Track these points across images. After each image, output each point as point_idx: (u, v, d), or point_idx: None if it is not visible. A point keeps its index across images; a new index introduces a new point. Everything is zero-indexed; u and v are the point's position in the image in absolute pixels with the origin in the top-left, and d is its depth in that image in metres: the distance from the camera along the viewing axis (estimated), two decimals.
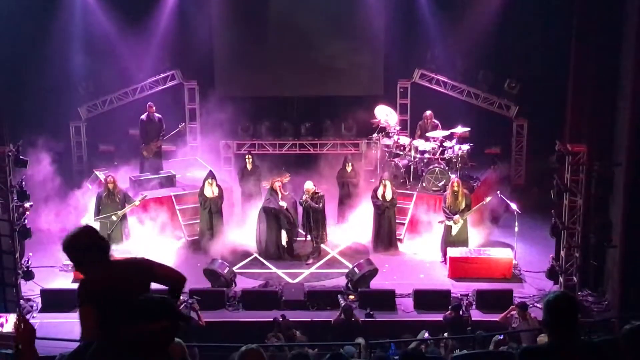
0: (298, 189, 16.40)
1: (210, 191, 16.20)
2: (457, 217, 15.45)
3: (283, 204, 15.74)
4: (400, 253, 16.30)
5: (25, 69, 18.00)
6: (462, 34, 18.98)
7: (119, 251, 15.36)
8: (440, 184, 16.64)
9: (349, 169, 17.15)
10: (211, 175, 16.41)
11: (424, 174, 16.91)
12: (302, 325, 13.16)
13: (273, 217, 15.85)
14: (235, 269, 15.19)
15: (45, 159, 16.60)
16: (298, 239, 16.24)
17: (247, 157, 17.50)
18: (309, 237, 16.02)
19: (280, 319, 12.85)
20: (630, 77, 12.94)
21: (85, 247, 5.07)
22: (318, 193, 15.85)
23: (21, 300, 14.25)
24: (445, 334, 12.63)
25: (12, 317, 12.62)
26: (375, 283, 14.69)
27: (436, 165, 16.89)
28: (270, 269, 15.66)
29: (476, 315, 13.46)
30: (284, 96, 20.60)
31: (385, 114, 18.34)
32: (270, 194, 15.86)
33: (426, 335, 12.39)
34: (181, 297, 13.42)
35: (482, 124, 18.83)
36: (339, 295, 13.99)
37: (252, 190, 17.09)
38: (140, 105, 18.71)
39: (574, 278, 14.24)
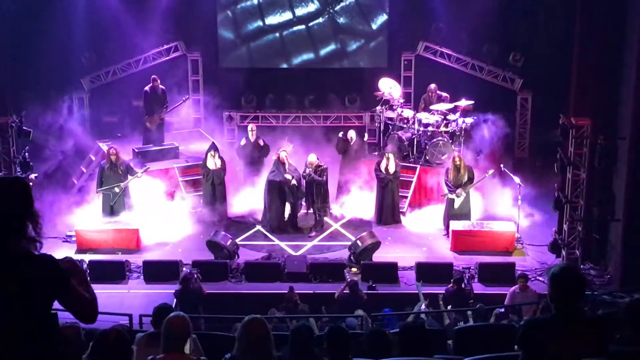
0: (301, 161, 16.33)
1: (213, 163, 16.17)
2: (459, 190, 15.44)
3: (289, 176, 15.70)
4: (403, 226, 16.33)
5: (28, 40, 17.89)
6: (467, 6, 18.83)
7: (122, 222, 15.44)
8: (443, 157, 16.61)
9: (351, 135, 16.99)
10: (214, 147, 16.37)
11: (427, 147, 16.87)
12: (305, 298, 13.20)
13: (278, 189, 15.83)
14: (238, 240, 15.21)
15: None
16: (301, 211, 16.23)
17: (250, 129, 17.26)
18: (311, 210, 16.03)
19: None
20: (635, 50, 12.85)
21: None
22: (321, 166, 15.81)
23: None
24: (449, 307, 12.67)
25: None
26: (378, 256, 14.72)
27: (440, 138, 16.84)
28: (273, 241, 15.70)
29: (478, 288, 13.50)
30: (287, 68, 20.52)
31: (389, 87, 18.28)
32: (277, 165, 15.82)
33: (423, 307, 12.35)
34: (184, 269, 13.58)
35: (487, 96, 18.74)
36: (345, 271, 13.99)
37: (256, 162, 17.01)
38: (144, 76, 18.64)
39: (577, 251, 14.27)
